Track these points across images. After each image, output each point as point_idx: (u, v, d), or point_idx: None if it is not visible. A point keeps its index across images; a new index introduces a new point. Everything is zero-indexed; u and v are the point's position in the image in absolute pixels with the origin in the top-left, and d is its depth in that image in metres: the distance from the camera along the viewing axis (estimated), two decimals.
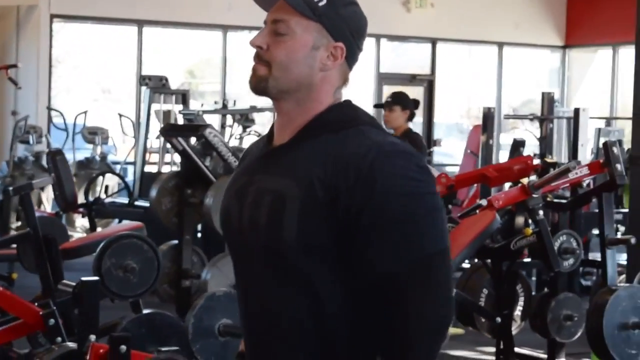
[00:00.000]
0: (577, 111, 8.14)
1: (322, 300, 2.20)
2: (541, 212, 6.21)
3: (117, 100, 16.75)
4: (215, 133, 7.27)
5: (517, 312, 6.79)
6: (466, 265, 7.38)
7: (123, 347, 4.21)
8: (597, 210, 7.65)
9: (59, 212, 9.11)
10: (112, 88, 17.26)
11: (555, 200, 6.92)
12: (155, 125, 11.80)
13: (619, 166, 6.28)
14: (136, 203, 10.23)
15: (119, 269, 5.71)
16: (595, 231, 8.57)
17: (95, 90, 17.17)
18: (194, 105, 12.50)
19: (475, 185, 9.47)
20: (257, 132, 12.22)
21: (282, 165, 2.25)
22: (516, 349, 6.71)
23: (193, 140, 7.91)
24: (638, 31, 6.79)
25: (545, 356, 6.97)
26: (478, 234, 5.91)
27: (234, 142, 11.62)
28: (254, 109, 11.58)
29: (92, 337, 4.34)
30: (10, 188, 6.04)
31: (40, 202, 11.79)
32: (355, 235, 2.14)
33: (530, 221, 6.59)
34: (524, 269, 7.16)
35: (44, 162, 11.92)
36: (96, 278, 4.85)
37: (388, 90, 16.03)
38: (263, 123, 14.26)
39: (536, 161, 7.29)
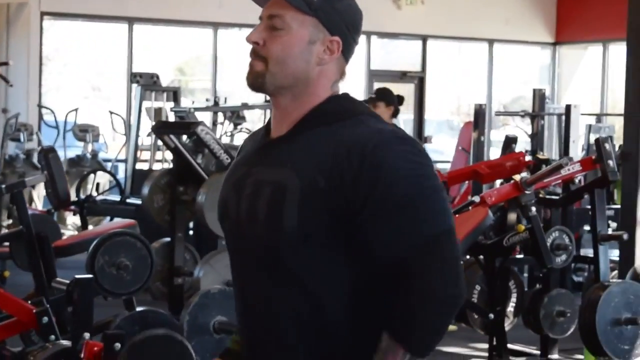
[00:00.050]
0: (568, 108, 8.15)
1: (321, 290, 2.21)
2: (534, 209, 6.23)
3: (107, 97, 16.72)
4: (208, 130, 7.25)
5: (510, 308, 6.82)
6: None
7: (117, 345, 4.22)
8: (588, 207, 7.68)
9: (51, 209, 9.10)
10: (102, 86, 17.22)
11: (548, 197, 6.93)
12: (147, 123, 11.78)
13: (611, 162, 6.30)
14: (128, 201, 10.21)
15: (112, 267, 5.70)
16: (587, 227, 8.60)
17: (85, 88, 17.13)
18: (185, 102, 12.48)
19: (467, 182, 9.49)
20: (247, 129, 12.21)
21: (280, 157, 2.25)
22: (509, 345, 6.72)
23: (184, 137, 7.90)
24: (629, 28, 6.81)
25: (538, 352, 6.99)
26: (471, 230, 5.91)
27: (225, 140, 11.60)
28: (245, 106, 11.57)
29: (86, 335, 4.34)
30: (3, 186, 6.01)
31: (31, 200, 11.77)
32: (362, 219, 2.16)
33: (522, 217, 6.60)
34: (516, 265, 7.17)
35: (35, 159, 11.90)
36: (90, 276, 4.84)
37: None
38: (253, 120, 14.25)
39: (528, 158, 7.32)
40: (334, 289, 2.21)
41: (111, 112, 13.32)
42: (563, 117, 10.01)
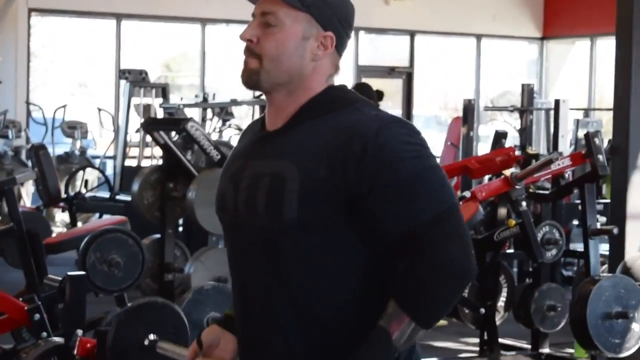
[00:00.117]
0: (557, 102, 8.15)
1: (321, 279, 2.22)
2: (524, 204, 6.24)
3: (93, 94, 16.68)
4: (197, 127, 7.24)
5: (501, 303, 6.83)
6: None
7: None
8: (577, 201, 7.69)
9: (40, 206, 9.07)
10: (89, 82, 17.18)
11: (538, 192, 6.94)
12: (135, 119, 11.76)
13: (600, 157, 6.31)
14: (117, 197, 10.19)
15: (103, 264, 5.70)
16: (576, 222, 8.62)
17: (72, 84, 17.09)
18: (172, 99, 12.47)
19: (456, 177, 9.50)
20: (236, 126, 12.21)
21: (277, 149, 2.27)
22: (500, 340, 6.74)
23: (173, 133, 7.88)
24: (618, 21, 6.82)
25: (529, 346, 7.01)
26: None
27: (213, 136, 11.59)
28: (234, 102, 11.56)
29: (79, 332, 4.33)
30: None
31: (20, 197, 11.74)
32: (369, 203, 2.17)
33: (512, 212, 6.61)
34: (506, 260, 7.18)
35: (24, 156, 11.87)
36: (82, 272, 4.84)
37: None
38: (241, 116, 14.24)
39: (517, 153, 7.33)
40: (333, 278, 2.22)
41: (99, 109, 13.29)
42: (551, 112, 10.03)
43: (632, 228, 6.60)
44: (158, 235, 7.39)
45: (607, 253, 6.94)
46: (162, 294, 7.31)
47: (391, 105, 16.42)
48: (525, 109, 9.53)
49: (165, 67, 17.61)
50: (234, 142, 10.44)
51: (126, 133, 11.51)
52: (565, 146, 9.22)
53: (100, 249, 5.70)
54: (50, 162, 6.26)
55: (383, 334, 2.15)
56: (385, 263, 2.24)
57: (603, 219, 8.21)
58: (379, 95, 7.72)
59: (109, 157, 13.12)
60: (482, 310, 6.53)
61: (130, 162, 12.01)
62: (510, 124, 11.43)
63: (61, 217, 11.76)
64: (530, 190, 6.67)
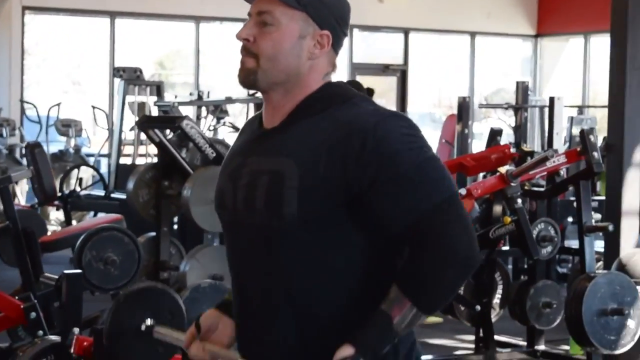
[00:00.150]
0: (552, 100, 8.16)
1: (321, 275, 2.22)
2: (519, 201, 6.25)
3: (86, 92, 16.66)
4: (192, 125, 7.24)
5: (496, 300, 6.84)
6: None
7: None
8: (572, 198, 7.70)
9: (34, 205, 9.06)
10: (82, 80, 17.16)
11: (533, 189, 6.95)
12: (129, 117, 11.74)
13: (596, 154, 6.32)
14: (112, 195, 10.18)
15: (99, 262, 5.69)
16: (570, 219, 8.62)
17: (65, 82, 17.07)
18: (165, 96, 12.46)
19: (451, 174, 9.49)
20: (231, 123, 12.20)
21: (276, 147, 2.27)
22: (496, 337, 6.76)
23: (167, 131, 7.87)
24: (613, 18, 6.82)
25: (525, 343, 7.02)
26: None
27: (208, 134, 11.58)
28: (229, 100, 11.55)
29: (76, 330, 4.33)
30: None
31: (14, 195, 11.72)
32: (370, 196, 2.18)
33: (508, 210, 6.61)
34: (501, 257, 7.19)
35: (18, 154, 11.86)
36: (79, 271, 4.83)
37: (361, 81, 16.02)
38: (235, 114, 14.23)
39: (512, 150, 7.33)
40: (332, 276, 2.23)
41: (94, 107, 13.27)
42: (545, 110, 10.04)
43: (627, 225, 6.61)
44: (153, 233, 7.38)
45: (602, 250, 6.95)
46: None
47: (385, 103, 16.42)
48: (520, 106, 9.53)
49: (159, 64, 17.60)
50: (229, 140, 10.44)
51: (121, 131, 11.50)
52: (560, 143, 9.24)
53: (96, 247, 5.69)
54: (45, 161, 6.26)
55: (384, 317, 2.16)
56: (384, 261, 2.24)
57: (598, 216, 8.22)
58: (369, 93, 7.73)
59: (103, 155, 13.11)
60: (478, 308, 6.54)
61: (125, 160, 11.99)
62: (505, 122, 11.44)
63: (55, 215, 11.75)
64: (526, 188, 6.67)
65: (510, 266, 8.44)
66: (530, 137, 11.56)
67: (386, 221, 2.19)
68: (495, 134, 8.24)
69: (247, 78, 2.29)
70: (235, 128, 12.02)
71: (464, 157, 7.18)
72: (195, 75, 15.53)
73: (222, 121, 12.05)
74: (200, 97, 11.64)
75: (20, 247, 5.66)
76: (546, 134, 9.70)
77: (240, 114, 14.39)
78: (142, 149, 12.07)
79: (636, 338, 5.88)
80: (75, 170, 10.98)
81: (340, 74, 16.87)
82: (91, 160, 12.65)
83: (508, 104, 10.28)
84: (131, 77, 11.41)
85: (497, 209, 6.82)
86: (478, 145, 12.29)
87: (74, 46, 16.08)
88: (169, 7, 14.92)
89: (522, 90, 9.53)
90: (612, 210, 6.67)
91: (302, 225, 2.20)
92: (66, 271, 4.44)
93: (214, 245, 6.94)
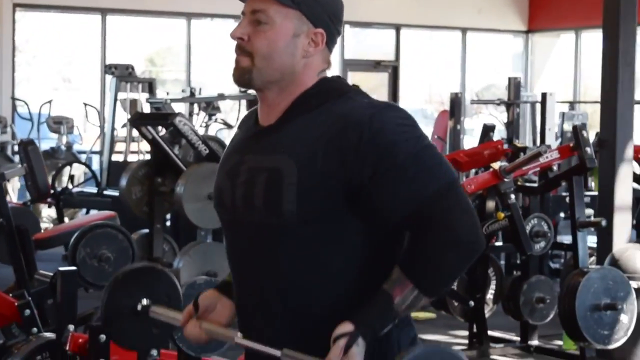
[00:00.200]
0: (544, 96, 8.18)
1: (320, 271, 2.23)
2: (513, 196, 6.26)
3: (77, 89, 16.63)
4: (185, 121, 7.23)
5: (490, 295, 6.85)
6: None
7: (102, 336, 4.20)
8: (564, 194, 7.72)
9: (27, 202, 9.05)
10: (73, 77, 17.13)
11: (526, 184, 6.96)
12: (121, 114, 11.73)
13: (588, 149, 6.33)
14: (104, 192, 10.17)
15: (93, 259, 5.69)
16: (563, 214, 8.64)
17: (56, 79, 17.04)
18: (158, 93, 12.46)
19: None
20: (222, 120, 12.20)
21: (273, 144, 2.27)
22: (489, 332, 6.77)
23: (159, 128, 7.87)
24: (605, 13, 6.83)
25: (518, 338, 7.04)
26: None
27: (200, 131, 11.58)
28: (222, 96, 11.55)
29: (71, 327, 4.33)
30: None
31: (6, 193, 11.69)
32: (370, 188, 2.18)
33: (501, 205, 6.62)
34: (494, 252, 7.20)
35: (9, 152, 11.84)
36: (73, 268, 4.82)
37: (353, 77, 16.05)
38: (227, 111, 14.22)
39: (505, 146, 7.34)
40: (331, 273, 2.23)
41: (85, 104, 13.25)
42: (537, 105, 10.05)
43: (620, 220, 6.63)
44: (146, 230, 7.38)
45: (595, 245, 6.97)
46: None
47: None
48: (512, 102, 9.54)
49: (150, 61, 17.58)
50: (221, 136, 10.43)
51: (113, 128, 11.49)
52: (552, 139, 9.25)
53: (90, 244, 5.69)
54: (39, 158, 6.25)
55: (385, 297, 2.16)
56: (383, 258, 2.25)
57: (590, 212, 8.24)
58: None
59: (95, 152, 13.09)
60: (471, 303, 6.55)
61: (117, 157, 11.99)
62: (496, 117, 11.45)
63: (47, 212, 11.74)
64: (519, 183, 6.69)
65: (503, 262, 8.47)
66: (521, 133, 11.57)
67: (386, 212, 2.19)
68: (488, 130, 8.26)
69: (242, 77, 2.30)
70: (227, 124, 12.02)
71: (457, 153, 7.21)
72: (187, 72, 15.52)
73: (214, 118, 12.05)
74: (192, 94, 11.65)
75: (14, 245, 5.65)
76: (538, 130, 9.72)
77: (231, 110, 14.38)
78: (134, 146, 12.06)
79: (629, 333, 5.90)
80: (67, 168, 10.97)
81: (332, 70, 16.84)
82: (83, 157, 12.64)
83: (500, 100, 10.30)
84: (123, 74, 11.40)
85: (491, 204, 6.83)
86: (470, 141, 12.31)
87: (65, 43, 16.05)
88: (160, 4, 14.90)
89: (515, 86, 9.54)
90: (605, 205, 6.69)
91: (301, 222, 2.20)
92: (61, 268, 4.43)
93: (207, 242, 6.94)
